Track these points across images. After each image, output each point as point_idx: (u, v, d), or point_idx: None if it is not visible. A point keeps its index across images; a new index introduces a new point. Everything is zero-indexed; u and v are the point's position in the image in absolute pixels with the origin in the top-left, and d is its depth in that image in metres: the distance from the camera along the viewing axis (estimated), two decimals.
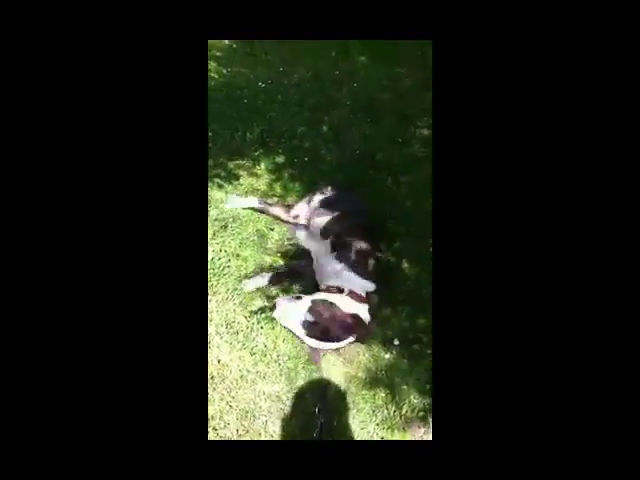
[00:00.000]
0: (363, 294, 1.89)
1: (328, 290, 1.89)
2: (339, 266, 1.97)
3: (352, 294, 1.86)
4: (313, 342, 1.78)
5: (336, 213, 2.18)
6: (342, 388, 1.82)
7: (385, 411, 1.76)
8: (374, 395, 1.80)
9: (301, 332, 1.77)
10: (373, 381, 1.84)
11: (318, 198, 2.26)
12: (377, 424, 1.74)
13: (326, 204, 2.24)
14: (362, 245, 2.05)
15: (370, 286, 1.93)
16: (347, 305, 1.83)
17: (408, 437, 1.71)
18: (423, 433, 1.72)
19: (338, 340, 1.80)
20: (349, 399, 1.80)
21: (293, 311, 1.78)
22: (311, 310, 1.78)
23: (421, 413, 1.76)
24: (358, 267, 1.96)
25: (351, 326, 1.80)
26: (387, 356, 1.90)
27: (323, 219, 2.18)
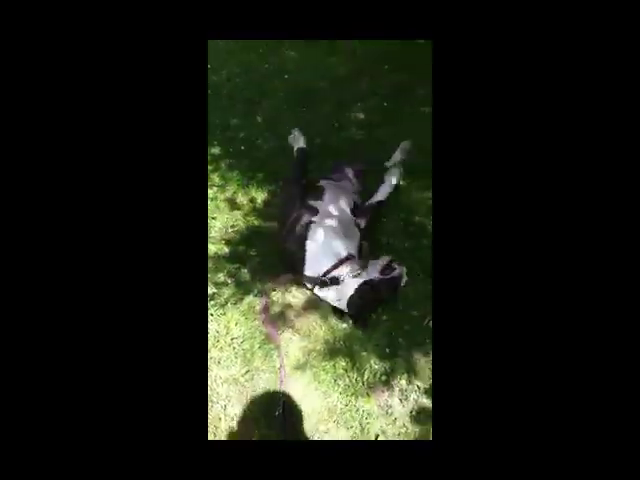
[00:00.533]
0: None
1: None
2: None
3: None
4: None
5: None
6: (301, 362, 1.75)
7: (347, 379, 1.71)
8: (334, 365, 1.74)
9: (342, 305, 1.77)
10: (332, 352, 1.78)
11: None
12: (340, 392, 1.68)
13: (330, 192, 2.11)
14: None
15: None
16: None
17: (372, 402, 1.66)
18: (387, 397, 1.67)
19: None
20: (309, 372, 1.73)
21: (341, 291, 1.77)
22: (358, 291, 1.77)
23: (383, 377, 1.72)
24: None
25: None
26: (344, 326, 1.85)
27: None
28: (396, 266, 1.83)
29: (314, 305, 1.91)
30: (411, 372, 1.75)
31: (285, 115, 2.78)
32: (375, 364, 1.75)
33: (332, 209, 1.99)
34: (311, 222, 1.90)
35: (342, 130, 2.77)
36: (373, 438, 1.57)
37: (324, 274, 1.80)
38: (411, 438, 1.56)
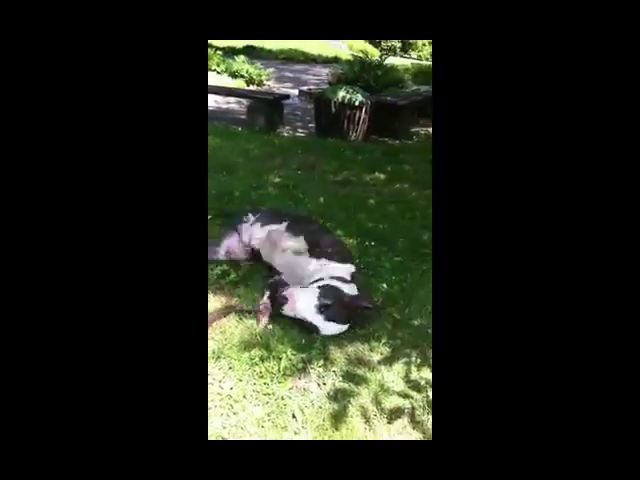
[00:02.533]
0: (348, 277, 1.99)
1: (321, 279, 1.93)
2: (320, 261, 2.05)
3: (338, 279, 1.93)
4: (330, 326, 1.80)
5: (284, 222, 2.28)
6: (215, 352, 1.69)
7: (263, 368, 1.66)
8: (250, 356, 1.70)
9: (318, 318, 1.78)
10: (248, 345, 1.75)
11: (249, 223, 2.35)
12: (255, 378, 1.62)
13: (264, 221, 2.33)
14: (329, 237, 2.25)
15: (352, 267, 2.07)
16: (344, 287, 1.90)
17: (289, 385, 1.61)
18: (304, 382, 1.64)
19: (348, 321, 1.85)
20: (224, 361, 1.66)
21: (307, 298, 1.79)
22: (323, 294, 1.81)
23: (300, 365, 1.70)
24: (336, 255, 2.09)
25: (356, 306, 1.86)
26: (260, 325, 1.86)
27: (278, 231, 2.24)
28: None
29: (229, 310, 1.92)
30: (327, 360, 1.75)
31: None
32: (292, 354, 1.74)
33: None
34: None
35: (259, 189, 3.05)
36: (290, 415, 1.50)
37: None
38: (327, 415, 1.51)
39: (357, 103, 5.09)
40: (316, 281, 1.92)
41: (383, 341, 1.87)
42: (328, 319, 1.79)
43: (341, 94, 5.09)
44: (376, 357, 1.81)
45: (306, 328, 1.81)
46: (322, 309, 1.78)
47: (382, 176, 3.89)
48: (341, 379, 1.67)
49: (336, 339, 1.85)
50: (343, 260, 2.10)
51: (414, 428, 1.51)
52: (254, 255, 2.28)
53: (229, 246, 2.29)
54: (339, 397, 1.59)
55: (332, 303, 1.79)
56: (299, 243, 2.16)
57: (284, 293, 1.80)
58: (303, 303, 1.79)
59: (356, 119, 5.17)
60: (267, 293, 1.98)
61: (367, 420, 1.52)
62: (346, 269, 2.04)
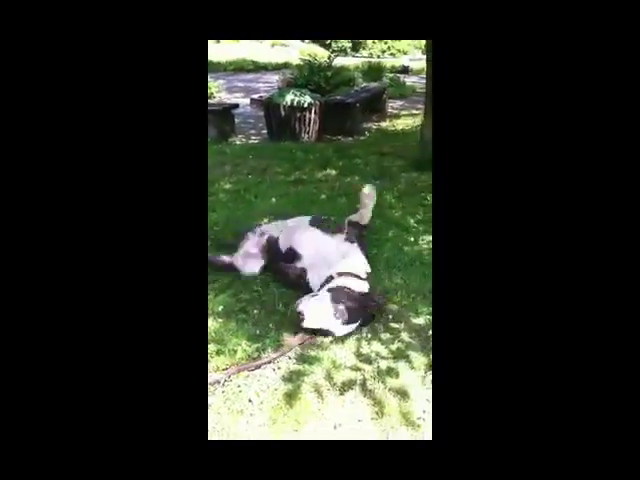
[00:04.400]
0: (363, 275, 2.04)
1: (331, 279, 1.99)
2: (347, 245, 2.17)
3: (353, 275, 2.00)
4: (345, 328, 1.85)
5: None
6: None
7: (216, 362, 1.73)
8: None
9: (336, 324, 1.83)
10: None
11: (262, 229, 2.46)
12: (209, 371, 1.69)
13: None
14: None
15: (368, 267, 2.13)
16: (356, 285, 1.95)
17: (243, 375, 1.69)
18: (260, 370, 1.72)
19: (360, 318, 1.89)
20: None
21: (322, 307, 1.82)
22: (335, 299, 1.85)
23: (255, 354, 1.78)
24: (361, 245, 2.22)
25: (368, 305, 1.91)
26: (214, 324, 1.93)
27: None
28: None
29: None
30: (281, 348, 1.83)
31: None
32: (247, 346, 1.81)
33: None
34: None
35: (210, 196, 3.10)
36: (246, 400, 1.58)
37: None
38: (281, 395, 1.59)
39: (306, 105, 5.20)
40: (327, 281, 1.99)
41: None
42: (344, 323, 1.85)
43: (289, 97, 5.20)
44: (328, 338, 1.90)
45: (322, 333, 1.87)
46: (337, 315, 1.83)
47: (333, 172, 4.01)
48: (295, 362, 1.76)
49: (290, 327, 1.93)
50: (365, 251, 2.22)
51: (365, 396, 1.61)
52: (270, 248, 2.31)
53: (245, 248, 2.35)
54: (293, 378, 1.68)
55: (346, 306, 1.84)
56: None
57: (298, 309, 1.82)
58: (319, 315, 1.82)
59: (306, 120, 5.29)
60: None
61: (320, 395, 1.61)
62: (364, 265, 2.12)
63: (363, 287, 1.99)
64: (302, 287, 2.09)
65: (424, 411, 1.55)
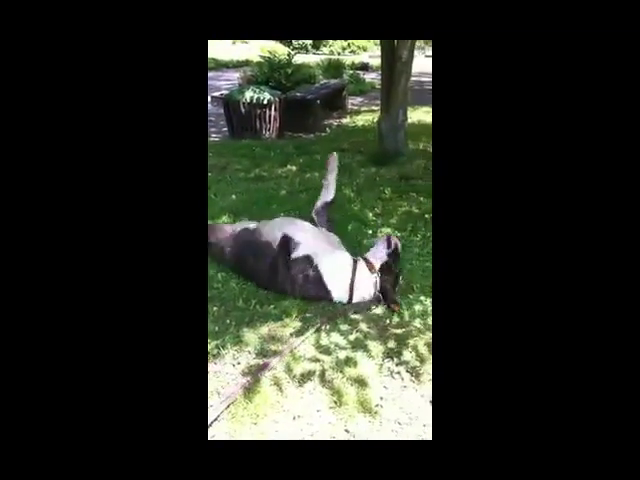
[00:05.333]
0: (377, 265, 2.12)
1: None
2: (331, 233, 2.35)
3: (367, 263, 2.12)
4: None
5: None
6: None
7: None
8: None
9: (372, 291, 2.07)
10: None
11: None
12: None
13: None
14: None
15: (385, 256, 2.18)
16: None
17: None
18: (220, 366, 1.72)
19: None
20: None
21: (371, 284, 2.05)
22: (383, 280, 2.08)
23: (214, 351, 1.78)
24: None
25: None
26: None
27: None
28: (392, 238, 2.22)
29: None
30: (242, 343, 1.83)
31: None
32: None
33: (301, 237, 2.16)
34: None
35: None
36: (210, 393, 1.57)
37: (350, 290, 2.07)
38: (240, 388, 1.60)
39: (265, 101, 5.18)
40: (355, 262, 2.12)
41: (294, 316, 1.98)
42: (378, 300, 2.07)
43: (248, 94, 5.16)
44: (288, 331, 1.92)
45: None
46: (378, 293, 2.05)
47: (294, 168, 4.02)
48: (254, 356, 1.77)
49: (249, 323, 1.94)
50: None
51: (324, 386, 1.63)
52: (242, 240, 2.28)
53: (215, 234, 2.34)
54: (252, 372, 1.68)
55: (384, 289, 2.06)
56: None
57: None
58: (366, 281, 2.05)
59: (267, 117, 5.27)
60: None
61: (279, 387, 1.62)
62: (382, 255, 2.19)
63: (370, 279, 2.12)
64: (309, 279, 2.08)
65: (381, 398, 1.59)
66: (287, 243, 2.10)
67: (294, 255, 2.07)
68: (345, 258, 2.13)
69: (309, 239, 2.14)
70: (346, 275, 2.06)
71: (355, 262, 2.11)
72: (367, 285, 2.08)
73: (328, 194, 2.48)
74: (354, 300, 2.07)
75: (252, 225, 2.35)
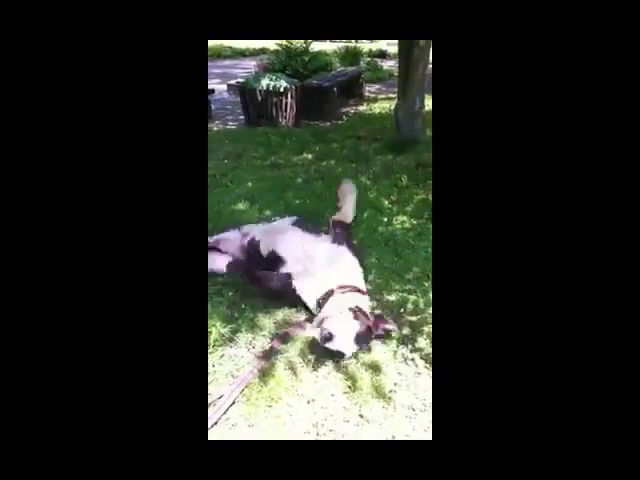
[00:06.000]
0: (363, 288, 1.93)
1: (332, 292, 1.85)
2: (335, 248, 2.03)
3: (358, 290, 1.89)
4: (355, 348, 1.70)
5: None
6: None
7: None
8: None
9: (351, 344, 1.68)
10: None
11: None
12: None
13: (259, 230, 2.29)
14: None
15: (361, 271, 2.01)
16: (362, 302, 1.85)
17: (218, 354, 1.70)
18: (234, 349, 1.73)
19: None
20: None
21: (347, 331, 1.68)
22: (358, 323, 1.72)
23: (229, 335, 1.80)
24: (349, 246, 2.07)
25: (380, 328, 1.78)
26: None
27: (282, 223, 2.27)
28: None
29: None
30: (255, 327, 1.85)
31: None
32: (221, 327, 1.83)
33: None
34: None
35: None
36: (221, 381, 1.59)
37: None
38: (257, 373, 1.61)
39: (282, 89, 5.15)
40: (327, 295, 1.85)
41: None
42: (359, 346, 1.72)
43: (265, 82, 5.14)
44: (303, 317, 1.92)
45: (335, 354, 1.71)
46: (358, 339, 1.71)
47: (310, 156, 4.00)
48: (269, 341, 1.78)
49: (264, 309, 1.95)
50: (355, 252, 2.07)
51: (338, 372, 1.64)
52: (252, 249, 2.17)
53: (219, 239, 2.26)
54: (269, 355, 1.70)
55: (362, 328, 1.72)
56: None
57: (328, 330, 1.66)
58: (345, 337, 1.69)
59: (283, 105, 5.24)
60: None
61: (294, 371, 1.64)
62: (359, 272, 2.00)
63: (366, 302, 1.89)
64: (288, 295, 1.94)
65: (395, 384, 1.59)
66: (275, 260, 2.04)
67: (279, 274, 1.99)
68: (325, 283, 1.90)
69: (297, 255, 2.02)
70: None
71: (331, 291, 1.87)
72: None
73: (344, 217, 2.29)
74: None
75: (257, 236, 2.23)
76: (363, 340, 1.72)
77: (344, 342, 1.67)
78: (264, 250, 2.12)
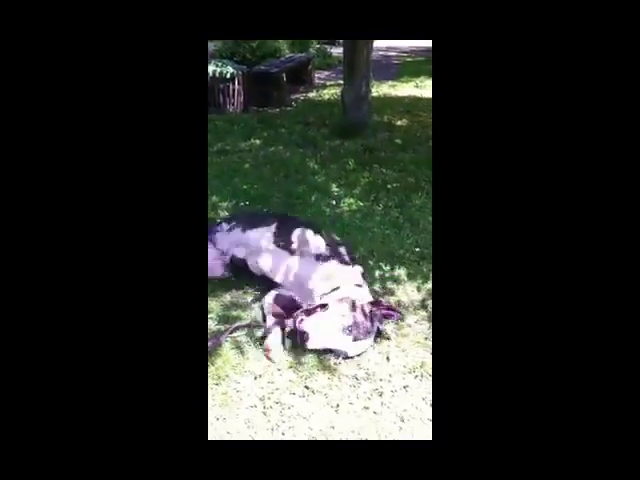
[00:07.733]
0: (360, 281, 1.85)
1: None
2: (331, 264, 1.86)
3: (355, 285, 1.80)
4: (358, 346, 1.62)
5: (273, 224, 2.05)
6: None
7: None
8: None
9: (346, 341, 1.60)
10: None
11: (224, 231, 2.12)
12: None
13: (245, 225, 2.10)
14: (325, 240, 1.97)
15: (360, 268, 1.92)
16: (361, 294, 1.75)
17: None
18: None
19: (374, 332, 1.68)
20: None
21: (329, 325, 1.60)
22: (344, 313, 1.63)
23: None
24: (347, 255, 1.94)
25: (381, 315, 1.71)
26: None
27: (266, 237, 2.01)
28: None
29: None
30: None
31: None
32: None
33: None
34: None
35: None
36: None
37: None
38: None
39: (228, 75, 5.07)
40: (332, 291, 1.75)
41: (257, 286, 2.01)
42: (356, 339, 1.62)
43: (211, 68, 5.04)
44: (250, 298, 1.95)
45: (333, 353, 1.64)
46: (348, 330, 1.61)
47: (258, 142, 3.99)
48: (217, 322, 1.80)
49: (212, 291, 1.95)
50: (352, 259, 1.95)
51: (284, 350, 1.68)
52: (235, 266, 2.05)
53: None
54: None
55: (356, 320, 1.63)
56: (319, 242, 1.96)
57: (302, 328, 1.58)
58: (327, 332, 1.60)
59: (230, 91, 5.17)
60: (270, 316, 1.77)
61: (240, 350, 1.66)
62: (357, 269, 1.91)
63: (365, 294, 1.80)
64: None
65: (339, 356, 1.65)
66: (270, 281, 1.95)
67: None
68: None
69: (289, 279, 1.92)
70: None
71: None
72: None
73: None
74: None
75: (239, 254, 2.05)
76: (362, 333, 1.63)
77: (330, 340, 1.61)
78: (255, 270, 2.00)
